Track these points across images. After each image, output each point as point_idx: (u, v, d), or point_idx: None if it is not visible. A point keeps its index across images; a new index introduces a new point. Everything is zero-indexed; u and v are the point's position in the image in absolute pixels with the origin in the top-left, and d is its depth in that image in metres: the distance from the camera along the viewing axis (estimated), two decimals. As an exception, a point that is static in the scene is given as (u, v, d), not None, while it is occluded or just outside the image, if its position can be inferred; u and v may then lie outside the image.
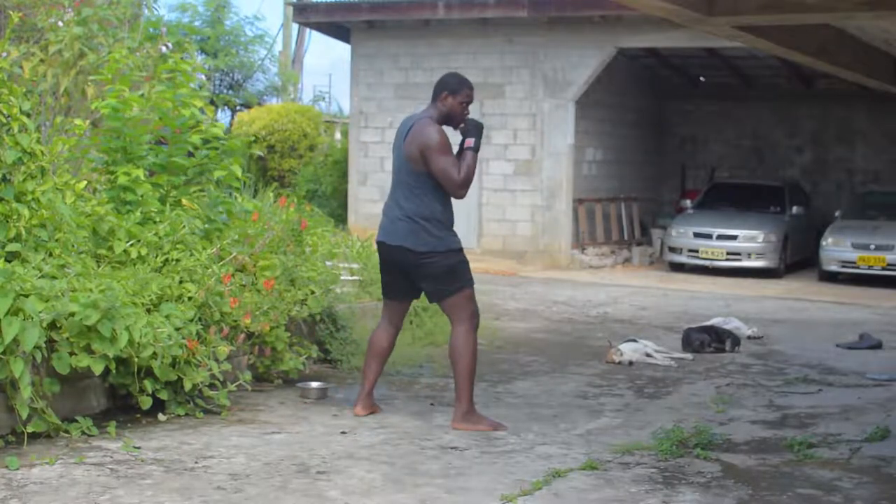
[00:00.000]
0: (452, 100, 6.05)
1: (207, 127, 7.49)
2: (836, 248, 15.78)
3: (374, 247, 9.38)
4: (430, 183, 5.94)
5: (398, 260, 6.00)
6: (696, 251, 16.41)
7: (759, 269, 16.28)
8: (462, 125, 6.09)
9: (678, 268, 16.73)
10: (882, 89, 11.11)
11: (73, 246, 6.12)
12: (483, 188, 17.07)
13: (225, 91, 23.82)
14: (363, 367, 6.31)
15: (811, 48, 8.16)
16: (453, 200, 6.15)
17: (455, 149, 6.06)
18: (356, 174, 17.91)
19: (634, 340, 8.80)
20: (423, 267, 5.93)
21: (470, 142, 6.03)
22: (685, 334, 9.29)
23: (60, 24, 8.38)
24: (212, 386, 6.08)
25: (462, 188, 5.98)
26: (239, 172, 7.49)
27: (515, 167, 16.96)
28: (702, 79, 20.88)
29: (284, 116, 20.12)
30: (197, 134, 7.40)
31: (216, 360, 6.10)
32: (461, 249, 6.06)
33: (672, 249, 16.78)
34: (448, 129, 6.13)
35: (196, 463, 5.07)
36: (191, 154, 7.47)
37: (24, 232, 5.78)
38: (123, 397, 5.87)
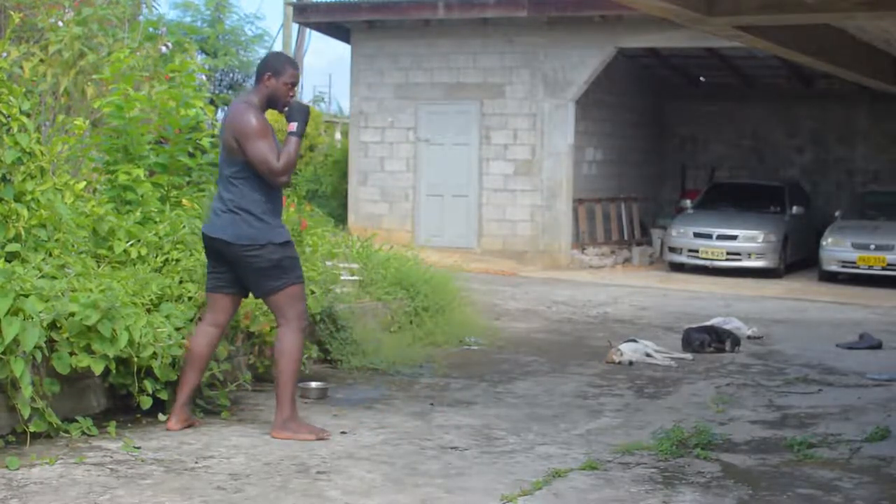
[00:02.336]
0: (276, 81, 5.63)
1: (212, 129, 7.50)
2: (836, 248, 15.78)
3: (374, 247, 9.42)
4: (250, 171, 5.54)
5: (220, 251, 5.63)
6: (696, 251, 16.41)
7: (759, 269, 16.28)
8: (286, 108, 5.70)
9: (678, 268, 16.73)
10: (882, 89, 11.10)
11: (72, 246, 6.12)
12: (483, 188, 17.07)
13: (225, 91, 23.81)
14: (180, 375, 5.78)
15: (811, 48, 8.16)
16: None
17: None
18: (356, 174, 17.91)
19: (634, 340, 8.80)
20: (243, 260, 5.56)
21: (293, 126, 5.63)
22: (685, 334, 9.29)
23: (60, 24, 8.38)
24: (212, 386, 6.08)
25: (281, 175, 5.53)
26: None
27: (515, 167, 16.96)
28: (702, 79, 20.89)
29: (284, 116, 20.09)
30: (204, 135, 7.40)
31: (216, 360, 6.10)
32: (287, 243, 5.65)
33: (672, 249, 16.79)
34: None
35: (196, 463, 5.07)
36: (191, 154, 7.47)
37: (23, 232, 5.78)
38: (123, 397, 5.87)
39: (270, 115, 5.91)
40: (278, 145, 5.62)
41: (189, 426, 5.72)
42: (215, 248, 5.66)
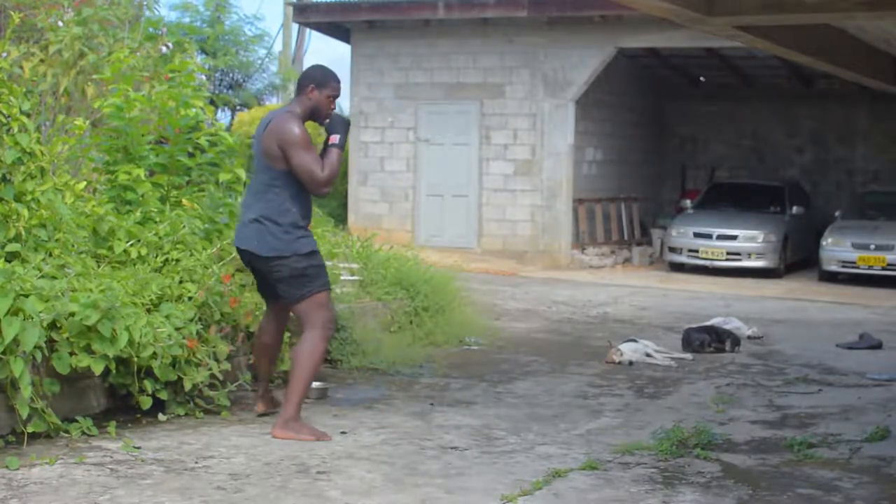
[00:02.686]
0: (319, 93, 5.74)
1: (210, 128, 7.50)
2: (836, 248, 15.78)
3: (373, 247, 9.42)
4: (288, 181, 5.63)
5: (249, 261, 5.82)
6: (696, 251, 16.41)
7: (759, 269, 16.28)
8: (327, 120, 5.82)
9: (678, 268, 16.72)
10: (882, 89, 11.10)
11: (73, 246, 6.12)
12: (483, 188, 17.07)
13: (225, 91, 23.80)
14: (255, 366, 6.18)
15: (811, 48, 8.15)
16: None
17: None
18: (356, 174, 17.91)
19: (634, 340, 8.80)
20: (270, 270, 5.69)
21: (335, 138, 5.74)
22: (685, 334, 9.29)
23: (60, 24, 8.38)
24: (212, 386, 6.08)
25: (325, 186, 5.63)
26: (243, 175, 7.50)
27: (515, 167, 16.96)
28: (702, 79, 20.88)
29: (285, 116, 20.08)
30: (203, 135, 7.40)
31: (216, 360, 6.10)
32: (312, 252, 5.71)
33: (672, 249, 16.79)
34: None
35: (196, 463, 5.07)
36: (191, 154, 7.47)
37: (23, 232, 5.78)
38: (123, 397, 5.87)
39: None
40: None
41: (275, 409, 5.95)
42: (246, 259, 5.84)
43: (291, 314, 6.03)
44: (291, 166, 5.60)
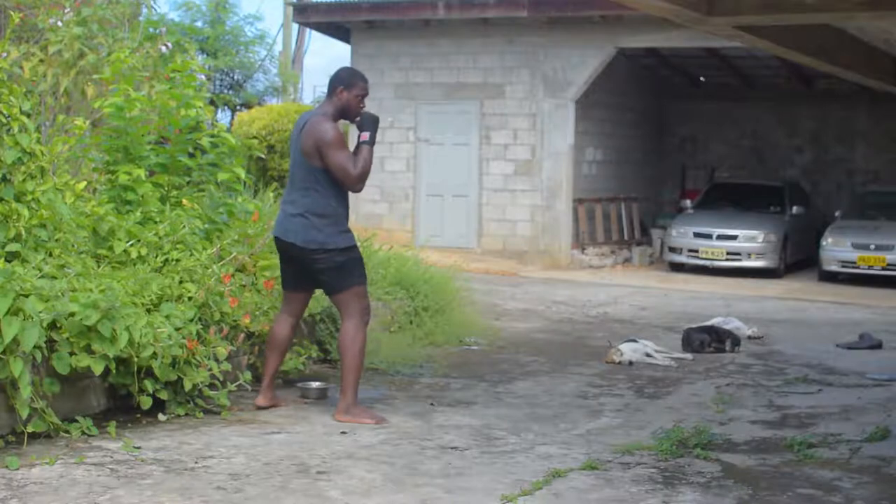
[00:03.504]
0: (347, 94, 6.05)
1: (211, 128, 7.50)
2: (836, 248, 15.78)
3: (373, 247, 9.42)
4: (326, 178, 5.96)
5: (292, 255, 6.07)
6: (696, 251, 16.41)
7: (759, 269, 16.28)
8: (357, 119, 6.11)
9: (678, 268, 16.72)
10: (882, 89, 11.09)
11: (73, 246, 6.12)
12: (483, 188, 17.07)
13: (225, 91, 23.82)
14: (264, 359, 6.38)
15: (811, 48, 8.15)
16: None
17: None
18: (356, 174, 17.87)
19: (634, 340, 8.80)
20: (312, 263, 6.00)
21: (365, 135, 6.05)
22: (685, 334, 9.29)
23: (60, 24, 8.37)
24: (212, 386, 6.08)
25: (359, 182, 5.98)
26: (243, 174, 7.50)
27: (515, 167, 16.96)
28: (702, 79, 20.88)
29: (284, 116, 20.12)
30: (204, 136, 7.40)
31: (216, 360, 6.10)
32: (352, 247, 6.08)
33: (672, 249, 16.79)
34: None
35: (196, 463, 5.07)
36: (191, 154, 7.47)
37: (24, 232, 5.79)
38: (123, 397, 5.87)
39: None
40: None
41: (274, 406, 6.27)
42: (288, 252, 6.10)
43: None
44: (327, 164, 5.92)
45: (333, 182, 5.97)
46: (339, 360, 7.64)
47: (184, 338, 5.83)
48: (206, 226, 7.00)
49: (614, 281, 15.18)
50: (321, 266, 5.99)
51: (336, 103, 6.06)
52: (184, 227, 6.65)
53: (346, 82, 6.07)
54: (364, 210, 17.69)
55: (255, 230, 7.20)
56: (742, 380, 7.93)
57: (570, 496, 4.81)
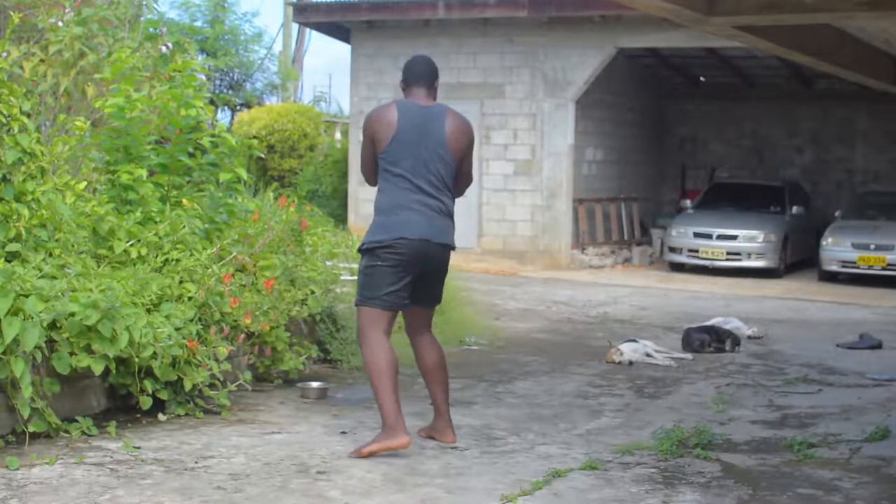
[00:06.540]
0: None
1: (211, 128, 7.49)
2: (836, 248, 15.78)
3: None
4: (452, 179, 5.60)
5: (432, 257, 5.40)
6: (696, 251, 16.42)
7: (759, 269, 16.29)
8: None
9: (678, 268, 16.73)
10: (882, 89, 11.10)
11: (73, 246, 6.11)
12: (483, 188, 17.07)
13: (225, 91, 23.81)
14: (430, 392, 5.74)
15: (811, 48, 8.16)
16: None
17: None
18: (356, 174, 17.88)
19: (634, 340, 8.80)
20: (444, 266, 5.54)
21: None
22: (685, 334, 9.29)
23: (60, 24, 8.37)
24: (212, 386, 6.08)
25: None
26: (244, 174, 7.49)
27: (515, 167, 16.96)
28: (702, 79, 20.88)
29: (284, 116, 20.13)
30: (204, 136, 7.40)
31: (216, 360, 6.10)
32: None
33: (672, 249, 16.79)
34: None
35: (196, 463, 5.07)
36: (191, 154, 7.47)
37: (24, 232, 5.78)
38: (123, 397, 5.87)
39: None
40: None
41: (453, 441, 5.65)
42: (425, 252, 5.37)
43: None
44: (464, 167, 5.67)
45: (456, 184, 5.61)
46: (340, 360, 7.66)
47: (184, 338, 5.83)
48: (206, 226, 6.99)
49: (614, 281, 15.18)
50: (445, 268, 5.54)
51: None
52: (184, 227, 6.64)
53: (437, 72, 5.70)
54: (364, 210, 17.67)
55: (255, 230, 7.20)
56: (742, 380, 7.93)
57: (570, 496, 4.81)
